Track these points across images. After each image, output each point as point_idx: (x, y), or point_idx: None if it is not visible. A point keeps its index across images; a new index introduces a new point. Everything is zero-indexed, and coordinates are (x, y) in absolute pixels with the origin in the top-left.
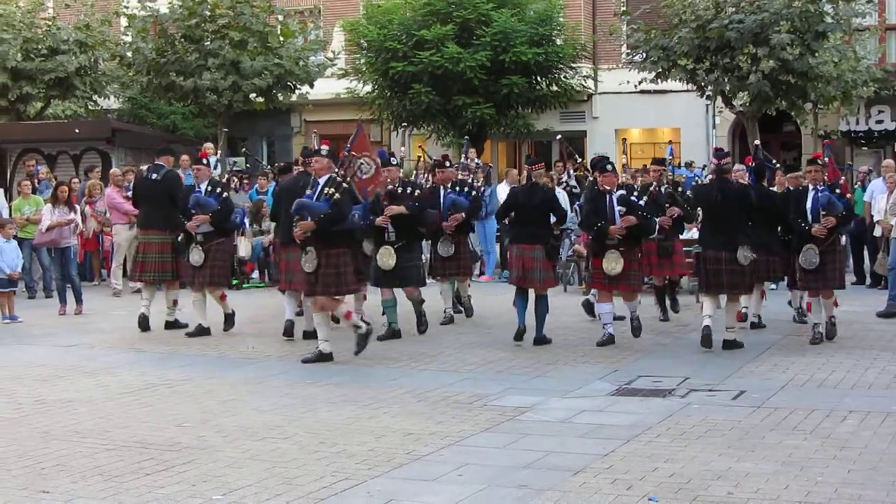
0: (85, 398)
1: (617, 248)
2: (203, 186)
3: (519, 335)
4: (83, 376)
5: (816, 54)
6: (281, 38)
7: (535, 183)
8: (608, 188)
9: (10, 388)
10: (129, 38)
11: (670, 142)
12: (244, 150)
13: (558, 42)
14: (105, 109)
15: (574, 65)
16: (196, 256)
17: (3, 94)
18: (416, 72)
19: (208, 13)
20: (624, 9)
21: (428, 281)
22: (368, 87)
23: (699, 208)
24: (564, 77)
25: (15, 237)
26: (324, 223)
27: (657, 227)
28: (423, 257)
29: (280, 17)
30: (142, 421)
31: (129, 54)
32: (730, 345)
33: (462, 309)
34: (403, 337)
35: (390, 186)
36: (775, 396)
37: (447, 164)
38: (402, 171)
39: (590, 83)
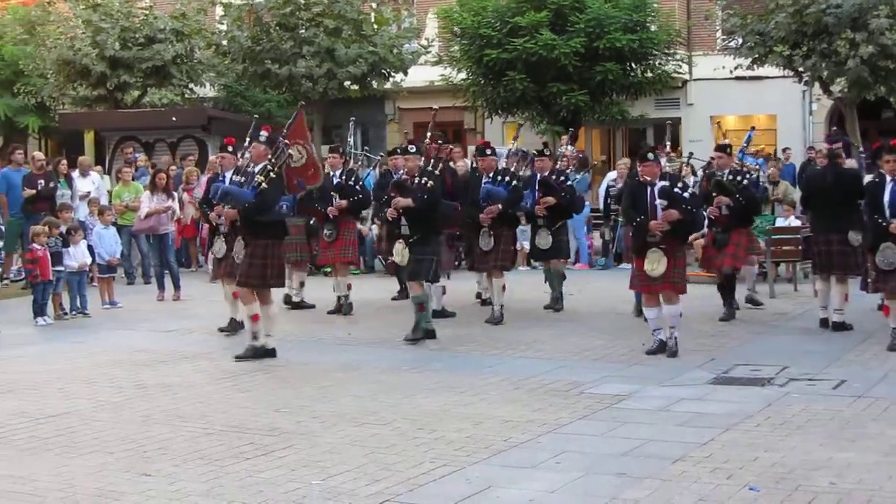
0: (185, 383)
1: (659, 246)
2: (228, 175)
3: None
4: (182, 361)
5: None
6: (375, 26)
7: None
8: (649, 179)
9: (111, 373)
10: (224, 27)
11: (752, 128)
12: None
13: (653, 28)
14: (201, 98)
15: (668, 51)
16: (218, 247)
17: (102, 83)
18: (510, 59)
19: (303, 1)
20: None
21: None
22: (462, 75)
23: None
24: (659, 63)
25: (114, 224)
26: (248, 213)
27: (705, 220)
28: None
29: (374, 5)
30: (240, 406)
31: (225, 43)
32: (839, 327)
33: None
34: (498, 325)
35: (404, 177)
36: (877, 386)
37: (487, 151)
38: (422, 159)
39: (684, 69)
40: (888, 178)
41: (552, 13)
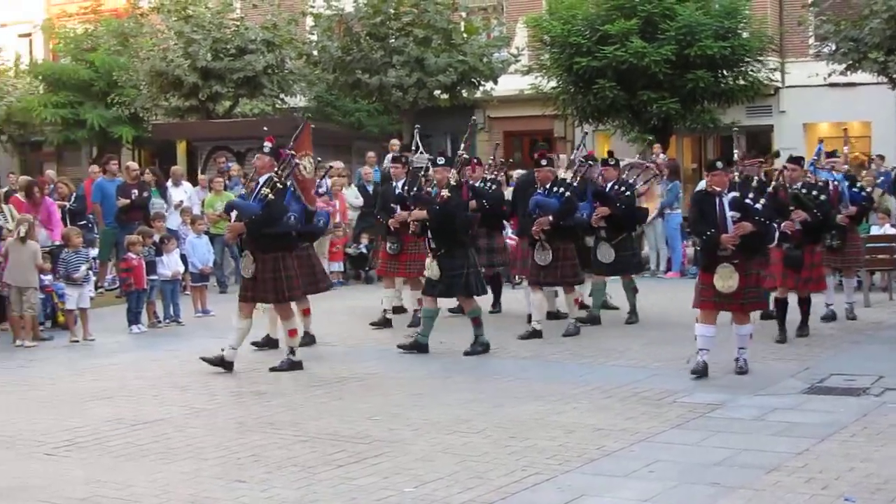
0: (277, 391)
1: (731, 261)
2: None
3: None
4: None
5: None
6: (465, 35)
7: None
8: (718, 190)
9: (204, 380)
10: (315, 37)
11: (821, 140)
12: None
13: (744, 35)
14: (292, 107)
15: (760, 58)
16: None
17: (194, 94)
18: (600, 67)
19: (393, 11)
20: (811, 1)
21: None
22: (552, 83)
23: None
24: (751, 70)
25: (206, 233)
26: (254, 225)
27: (776, 233)
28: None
29: (463, 14)
30: (333, 413)
31: (316, 53)
32: None
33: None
34: (589, 333)
35: (434, 188)
36: None
37: (543, 161)
38: (453, 171)
39: (777, 76)
40: None
41: (642, 21)
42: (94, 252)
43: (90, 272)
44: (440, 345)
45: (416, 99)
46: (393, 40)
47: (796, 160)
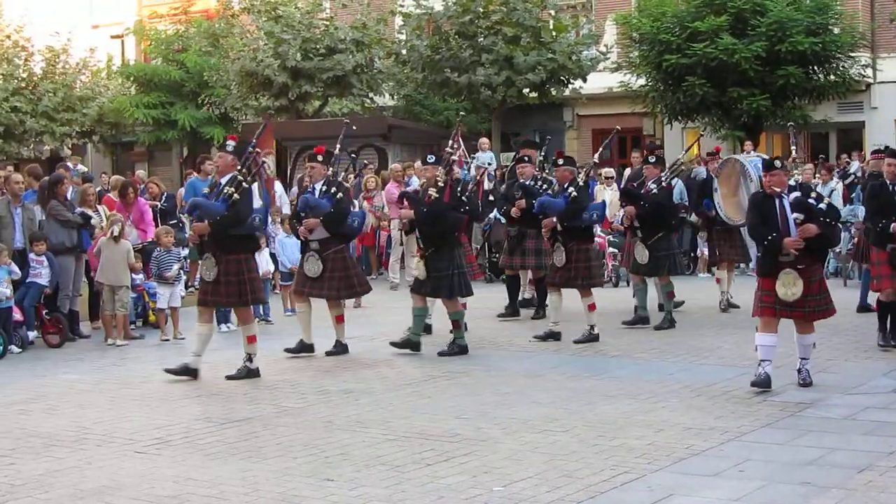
0: (366, 389)
1: (796, 267)
2: (318, 186)
3: None
4: (363, 368)
5: None
6: (554, 33)
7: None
8: (777, 190)
9: (293, 379)
10: (403, 36)
11: None
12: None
13: (835, 31)
14: (381, 106)
15: (852, 54)
16: (312, 267)
17: (284, 93)
18: (690, 64)
19: (482, 10)
20: None
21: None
22: (642, 81)
23: None
24: (842, 66)
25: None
26: (219, 226)
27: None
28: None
29: (552, 12)
30: (421, 412)
31: (405, 52)
32: None
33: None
34: (679, 331)
35: (423, 187)
36: None
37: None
38: (441, 169)
39: (868, 72)
40: None
41: (732, 17)
42: (185, 251)
43: (181, 271)
44: (529, 343)
45: (504, 97)
46: (482, 39)
47: (894, 152)
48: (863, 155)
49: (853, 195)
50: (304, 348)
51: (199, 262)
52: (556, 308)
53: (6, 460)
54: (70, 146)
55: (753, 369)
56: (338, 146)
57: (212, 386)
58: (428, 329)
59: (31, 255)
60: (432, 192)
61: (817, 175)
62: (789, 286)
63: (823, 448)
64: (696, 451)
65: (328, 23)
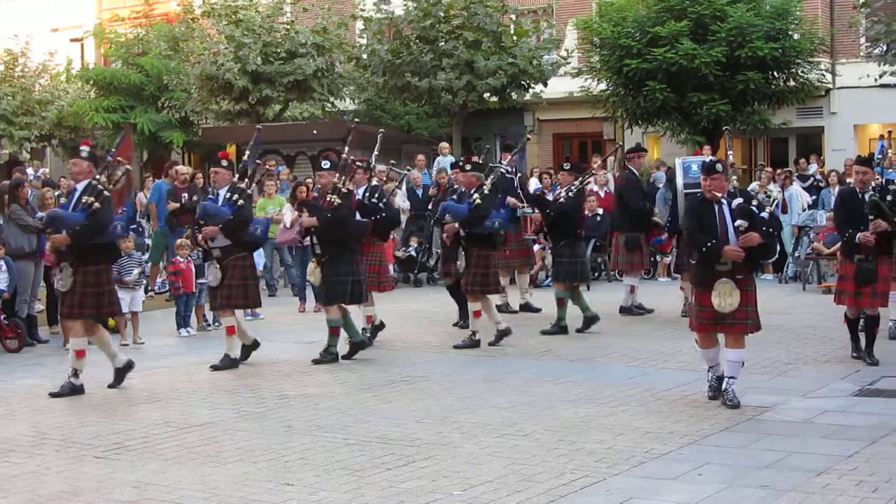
0: (325, 393)
1: (732, 276)
2: (222, 193)
3: None
4: (323, 372)
5: None
6: (514, 38)
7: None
8: (718, 195)
9: (253, 383)
10: (364, 41)
11: (881, 136)
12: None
13: (795, 36)
14: (341, 111)
15: (811, 59)
16: (211, 275)
17: (244, 97)
18: (650, 69)
19: (442, 14)
20: (863, 1)
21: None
22: (602, 85)
23: None
24: (801, 72)
25: None
26: (79, 236)
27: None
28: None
29: (513, 17)
30: (381, 416)
31: (365, 56)
32: None
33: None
34: (639, 336)
35: (315, 195)
36: None
37: (467, 166)
38: (338, 176)
39: (827, 78)
40: None
41: (692, 22)
42: (146, 256)
43: (142, 276)
44: (489, 348)
45: (465, 102)
46: (443, 43)
47: (866, 161)
48: (822, 159)
49: (814, 198)
50: (230, 363)
51: (59, 271)
52: (492, 311)
53: None
54: (29, 150)
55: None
56: (246, 152)
57: (171, 391)
58: (381, 326)
59: None
60: (333, 198)
61: (775, 181)
62: (725, 296)
63: (782, 451)
64: (656, 455)
65: (289, 27)
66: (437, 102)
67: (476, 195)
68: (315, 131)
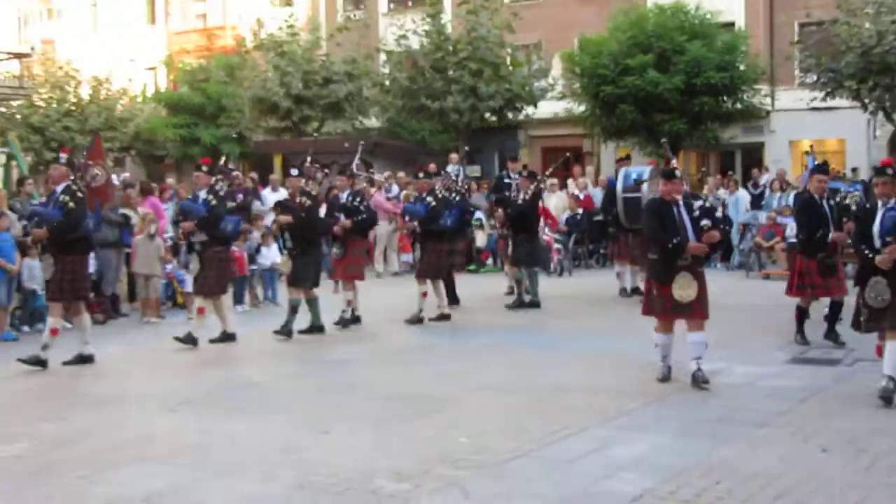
0: (354, 358)
1: (690, 270)
2: (201, 194)
3: None
4: (351, 342)
5: None
6: (510, 68)
7: None
8: (676, 198)
9: (296, 350)
10: (387, 70)
11: (811, 147)
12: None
13: (741, 67)
14: (368, 127)
15: (755, 86)
16: (192, 263)
17: (288, 116)
18: (621, 94)
19: (451, 48)
20: (798, 38)
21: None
22: (582, 107)
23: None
24: (746, 97)
25: None
26: (57, 231)
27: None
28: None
29: (509, 51)
30: (401, 377)
31: (387, 83)
32: None
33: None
34: (613, 313)
35: (288, 197)
36: None
37: (421, 175)
38: (303, 181)
39: (767, 101)
40: (879, 203)
41: (657, 56)
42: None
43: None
44: (490, 322)
45: (469, 120)
46: (451, 72)
47: (824, 170)
48: (766, 168)
49: (763, 203)
50: (225, 337)
51: (41, 262)
52: (440, 294)
53: (61, 415)
54: (112, 159)
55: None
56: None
57: (227, 356)
58: (357, 319)
59: None
60: (304, 200)
61: (725, 187)
62: (685, 288)
63: (728, 408)
64: (625, 411)
65: (325, 58)
66: (447, 121)
67: (430, 198)
68: (346, 144)
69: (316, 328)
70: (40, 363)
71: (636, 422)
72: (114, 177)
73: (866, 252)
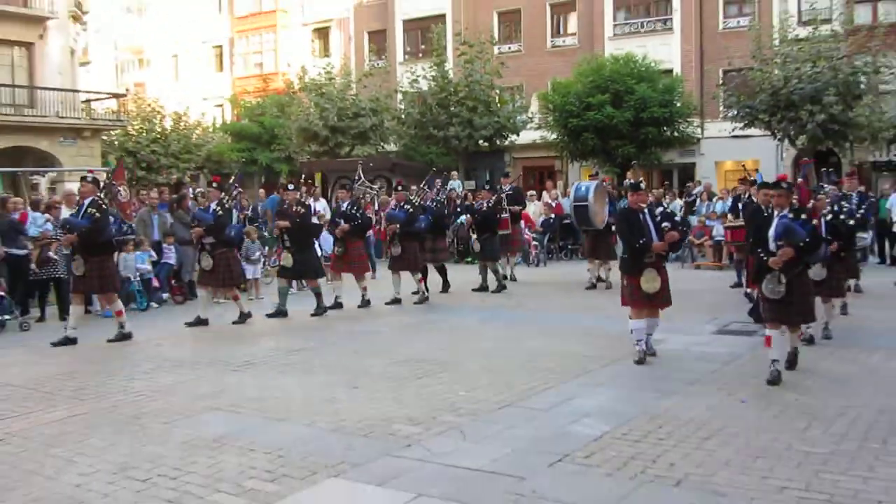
0: (379, 330)
1: (654, 266)
2: (212, 206)
3: None
4: (378, 316)
5: (854, 110)
6: (498, 104)
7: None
8: (642, 205)
9: (331, 324)
10: (402, 106)
11: (757, 170)
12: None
13: (678, 104)
14: (388, 151)
15: (688, 119)
16: (206, 262)
17: (326, 143)
18: (585, 125)
19: (452, 90)
20: (722, 82)
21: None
22: (554, 135)
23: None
24: (682, 127)
25: None
26: (85, 236)
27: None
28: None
29: (498, 91)
30: (414, 345)
31: (403, 116)
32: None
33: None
34: (583, 296)
35: (286, 205)
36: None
37: (399, 188)
38: (298, 193)
39: (698, 131)
40: (775, 212)
41: (612, 95)
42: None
43: (261, 255)
44: (482, 303)
45: (467, 145)
46: (452, 108)
47: (769, 185)
48: (698, 181)
49: (694, 209)
50: (200, 322)
51: (73, 261)
52: (396, 283)
53: (148, 375)
54: (188, 176)
55: (624, 320)
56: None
57: (279, 327)
58: (339, 305)
59: (164, 246)
60: (299, 209)
61: (666, 197)
62: (651, 281)
63: (668, 369)
64: (589, 371)
65: (354, 97)
66: (449, 146)
67: (408, 206)
68: (371, 164)
69: (280, 313)
70: (70, 341)
71: (596, 379)
72: (190, 190)
73: (761, 254)
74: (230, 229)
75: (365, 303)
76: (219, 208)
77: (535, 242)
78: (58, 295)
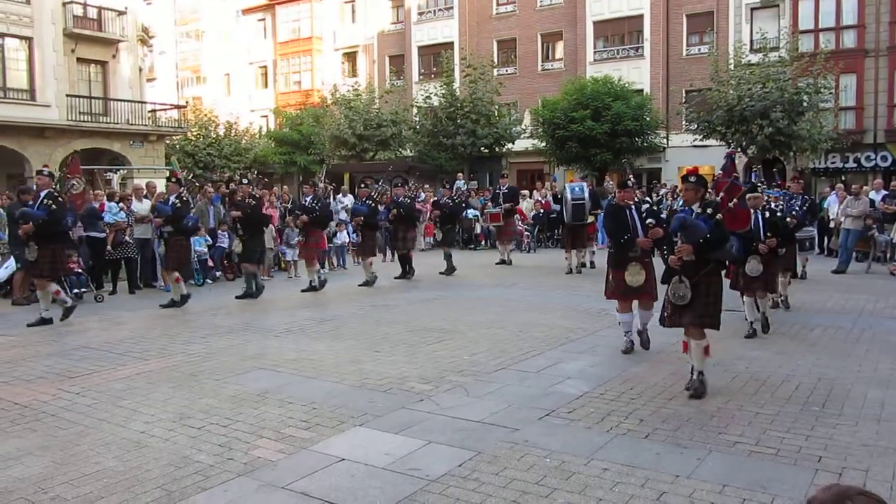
0: (396, 304)
1: (639, 260)
2: (172, 199)
3: None
4: (395, 291)
5: (798, 124)
6: (497, 117)
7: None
8: (628, 202)
9: (356, 297)
10: (417, 118)
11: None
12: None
13: (647, 119)
14: (405, 156)
15: (656, 131)
16: (161, 249)
17: (354, 148)
18: (569, 136)
19: (459, 105)
20: (684, 100)
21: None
22: (543, 144)
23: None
24: (651, 138)
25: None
26: (42, 226)
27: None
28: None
29: (497, 107)
30: (425, 316)
31: (417, 127)
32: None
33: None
34: (564, 277)
35: (239, 198)
36: (778, 315)
37: (363, 184)
38: (249, 188)
39: (664, 141)
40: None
41: (592, 111)
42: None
43: (298, 241)
44: (478, 282)
45: (471, 152)
46: (459, 120)
47: (755, 188)
48: (664, 183)
49: (660, 206)
50: (183, 300)
51: (26, 248)
52: (366, 268)
53: (203, 339)
54: (239, 174)
55: (600, 298)
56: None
57: (312, 301)
58: (323, 285)
59: (218, 232)
60: (249, 201)
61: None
62: (635, 275)
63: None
64: (572, 340)
65: (377, 110)
66: (456, 152)
67: (370, 201)
68: (391, 167)
69: (248, 295)
70: (45, 322)
71: (578, 348)
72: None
73: (665, 253)
74: (187, 220)
75: (321, 283)
76: (177, 201)
77: (527, 233)
78: (128, 272)
